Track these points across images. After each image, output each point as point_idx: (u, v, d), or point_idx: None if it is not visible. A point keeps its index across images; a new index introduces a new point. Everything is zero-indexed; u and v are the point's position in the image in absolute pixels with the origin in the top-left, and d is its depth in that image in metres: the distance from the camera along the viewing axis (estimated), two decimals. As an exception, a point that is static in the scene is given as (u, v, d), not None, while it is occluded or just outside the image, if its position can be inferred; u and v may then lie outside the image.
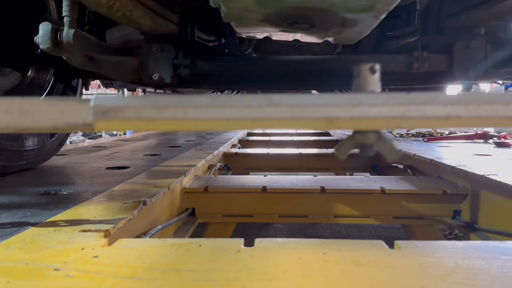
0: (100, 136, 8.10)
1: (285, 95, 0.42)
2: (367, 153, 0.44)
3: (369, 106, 0.41)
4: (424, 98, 0.41)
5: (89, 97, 0.46)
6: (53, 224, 0.96)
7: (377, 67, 0.43)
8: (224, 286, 0.62)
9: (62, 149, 2.19)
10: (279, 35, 1.29)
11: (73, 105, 0.44)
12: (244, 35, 1.34)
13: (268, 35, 1.31)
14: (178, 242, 0.84)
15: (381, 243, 0.83)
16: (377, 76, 0.43)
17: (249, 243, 0.83)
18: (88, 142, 3.49)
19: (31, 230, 0.91)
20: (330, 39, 1.30)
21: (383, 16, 0.99)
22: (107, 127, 0.43)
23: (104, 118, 0.43)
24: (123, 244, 0.82)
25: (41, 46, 1.18)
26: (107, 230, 0.90)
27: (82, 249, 0.79)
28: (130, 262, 0.73)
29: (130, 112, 0.42)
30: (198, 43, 1.63)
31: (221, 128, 0.43)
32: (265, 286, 0.63)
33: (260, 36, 1.33)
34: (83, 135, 8.19)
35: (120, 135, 8.74)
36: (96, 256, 0.75)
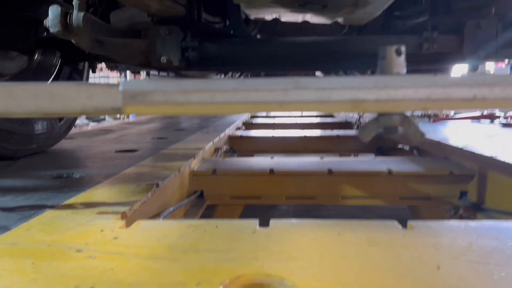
0: (104, 119, 8.10)
1: (311, 78, 0.42)
2: (391, 135, 0.45)
3: (395, 88, 0.41)
4: (450, 80, 0.41)
5: (114, 81, 0.46)
6: (70, 206, 0.98)
7: (403, 49, 0.44)
8: (244, 266, 0.64)
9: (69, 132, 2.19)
10: (288, 16, 1.28)
11: (102, 90, 0.44)
12: (253, 17, 1.34)
13: (277, 17, 1.30)
14: (195, 223, 0.85)
15: (394, 223, 0.84)
16: (402, 58, 0.43)
17: (263, 223, 0.84)
18: (91, 126, 3.51)
19: (49, 213, 0.92)
20: (340, 19, 1.29)
21: (395, -4, 0.99)
22: (136, 111, 0.44)
23: (133, 103, 0.43)
24: (141, 226, 0.84)
25: (51, 30, 1.18)
26: (123, 212, 0.92)
27: (102, 230, 0.81)
28: (150, 243, 0.74)
29: (158, 97, 0.43)
30: (206, 25, 1.62)
31: (248, 111, 0.43)
32: (284, 266, 0.64)
33: (269, 17, 1.32)
34: (86, 118, 8.19)
35: (123, 118, 8.75)
36: (116, 238, 0.77)
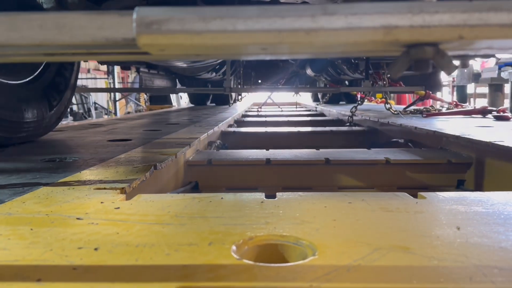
0: (91, 119, 7.99)
1: (341, 4, 0.40)
2: (423, 70, 0.42)
3: (430, 13, 0.39)
4: (487, 4, 0.39)
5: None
6: (66, 184, 0.94)
7: (436, -26, 0.41)
8: (256, 228, 0.61)
9: (56, 126, 2.14)
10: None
11: (114, 18, 0.41)
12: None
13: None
14: (199, 196, 0.82)
15: (405, 194, 0.82)
16: (435, -16, 0.41)
17: (270, 197, 0.82)
18: (78, 123, 3.44)
19: (44, 189, 0.88)
20: None
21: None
22: (151, 41, 0.41)
23: (148, 32, 0.40)
24: (143, 198, 0.80)
25: (44, 6, 1.14)
26: (122, 188, 0.88)
27: (102, 202, 0.77)
28: (154, 212, 0.71)
29: (175, 25, 0.40)
30: (202, 3, 1.59)
31: (273, 41, 0.41)
32: (298, 228, 0.61)
33: (268, -2, 1.30)
34: (73, 120, 8.08)
35: (113, 113, 8.65)
36: (118, 208, 0.73)
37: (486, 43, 0.42)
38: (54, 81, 1.85)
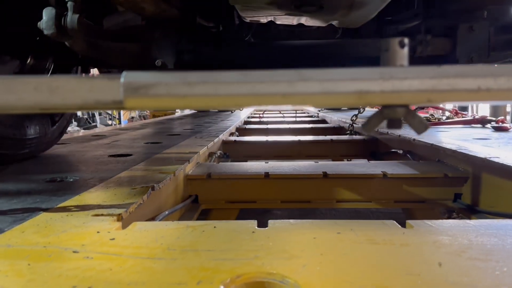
0: (95, 126, 8.05)
1: (316, 70, 0.42)
2: (395, 127, 0.45)
3: (400, 79, 0.41)
4: (454, 71, 0.41)
5: (118, 75, 0.46)
6: (65, 209, 0.96)
7: (406, 41, 0.43)
8: (244, 265, 0.63)
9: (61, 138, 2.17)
10: (283, 19, 1.29)
11: (103, 83, 0.44)
12: (248, 19, 1.34)
13: (273, 19, 1.31)
14: (192, 224, 0.84)
15: (393, 222, 0.84)
16: (406, 50, 0.43)
17: (261, 225, 0.84)
18: (82, 132, 3.48)
19: (43, 216, 0.91)
20: (334, 22, 1.29)
21: (391, -2, 0.99)
22: (137, 105, 0.43)
23: (135, 96, 0.43)
24: (138, 227, 0.83)
25: (45, 32, 1.17)
26: (119, 214, 0.90)
27: (98, 232, 0.79)
28: (147, 244, 0.73)
29: (161, 89, 0.42)
30: (201, 28, 1.62)
31: (252, 104, 0.43)
32: (285, 264, 0.63)
33: (264, 20, 1.32)
34: (78, 126, 8.14)
35: (115, 124, 8.71)
36: (113, 239, 0.76)
37: (455, 103, 0.44)
38: (56, 96, 1.88)
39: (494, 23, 1.47)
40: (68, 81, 0.44)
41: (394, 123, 0.45)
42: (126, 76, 0.43)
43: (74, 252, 0.69)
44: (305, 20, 1.30)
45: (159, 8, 1.35)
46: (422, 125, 0.44)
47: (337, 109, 6.51)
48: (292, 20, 1.31)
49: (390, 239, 0.74)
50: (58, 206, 0.99)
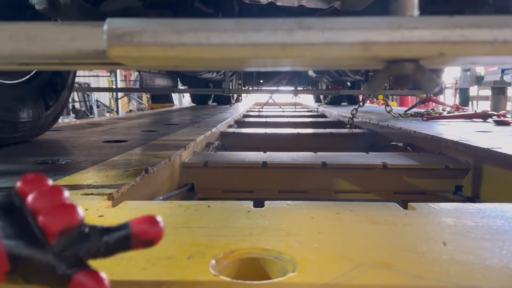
0: (93, 117, 8.00)
1: (318, 19, 0.39)
2: (403, 85, 0.41)
3: (409, 29, 0.37)
4: (468, 21, 0.37)
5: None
6: (54, 188, 0.93)
7: (417, -11, 0.40)
8: (239, 241, 0.60)
9: (55, 125, 2.14)
10: (284, 0, 1.25)
11: (85, 30, 0.40)
12: (248, 0, 1.30)
13: (273, 0, 1.27)
14: (186, 203, 0.81)
15: (395, 204, 0.81)
16: (416, -1, 0.40)
17: (258, 205, 0.80)
18: (78, 121, 3.43)
19: (31, 193, 0.87)
20: (337, 4, 1.26)
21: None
22: (122, 53, 0.40)
23: (119, 43, 0.39)
24: (129, 206, 0.79)
25: (36, 7, 1.13)
26: (110, 194, 0.87)
27: (86, 209, 0.76)
28: (137, 220, 0.69)
29: (148, 37, 0.39)
30: (199, 10, 1.58)
31: (248, 55, 0.39)
32: (281, 241, 0.60)
33: (264, 1, 1.28)
34: (75, 117, 8.09)
35: (115, 111, 8.68)
36: (102, 216, 0.72)
37: (468, 59, 0.40)
38: (51, 80, 1.84)
39: (500, 10, 1.44)
40: (47, 29, 0.40)
41: (402, 81, 0.41)
42: (110, 23, 0.40)
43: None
44: (306, 2, 1.26)
45: (156, -13, 1.31)
46: (433, 82, 0.40)
47: (337, 104, 6.47)
48: (293, 2, 1.27)
49: (392, 220, 0.70)
50: (47, 185, 0.96)
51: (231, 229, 0.66)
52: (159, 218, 0.36)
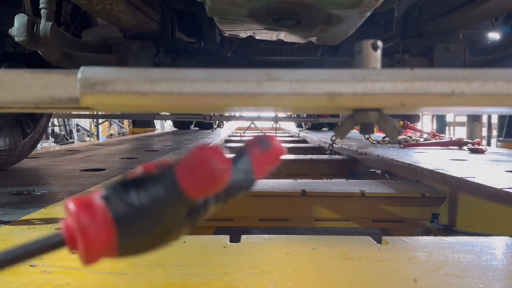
0: (73, 142, 7.90)
1: (285, 70, 0.40)
2: (368, 132, 0.43)
3: (372, 81, 0.39)
4: (428, 74, 0.40)
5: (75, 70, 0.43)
6: (27, 222, 0.91)
7: (380, 43, 0.42)
8: (212, 280, 0.60)
9: (34, 152, 2.10)
10: (262, 34, 1.28)
11: (58, 78, 0.41)
12: (227, 33, 1.33)
13: (252, 34, 1.30)
14: (161, 238, 0.80)
15: (369, 238, 0.82)
16: (379, 53, 0.42)
17: (234, 240, 0.80)
18: (59, 147, 3.39)
19: (3, 228, 0.86)
20: (313, 39, 1.29)
21: (368, 14, 1.00)
22: (95, 101, 0.40)
23: (92, 92, 0.40)
24: (103, 241, 0.78)
25: (16, 39, 1.13)
26: (85, 228, 0.85)
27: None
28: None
29: (120, 86, 0.40)
30: (179, 41, 1.60)
31: (218, 103, 0.41)
32: (256, 280, 0.60)
33: (243, 35, 1.31)
34: (55, 142, 7.97)
35: (91, 140, 8.57)
36: (75, 252, 0.71)
37: (428, 108, 0.42)
38: (29, 108, 1.83)
39: (469, 45, 1.50)
40: (21, 76, 0.41)
41: (367, 128, 0.43)
42: (84, 71, 0.40)
43: (31, 266, 0.65)
44: (284, 36, 1.30)
45: (137, 19, 1.33)
46: (395, 130, 0.42)
47: (318, 129, 6.55)
48: (271, 36, 1.30)
49: (365, 255, 0.71)
50: (20, 219, 0.94)
51: (205, 267, 0.65)
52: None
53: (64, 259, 0.68)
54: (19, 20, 1.13)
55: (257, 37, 1.35)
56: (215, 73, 0.40)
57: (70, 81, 0.41)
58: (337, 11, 0.96)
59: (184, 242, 0.78)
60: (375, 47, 0.42)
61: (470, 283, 0.59)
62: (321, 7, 0.92)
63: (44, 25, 1.14)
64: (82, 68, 0.40)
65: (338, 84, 0.40)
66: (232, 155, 0.39)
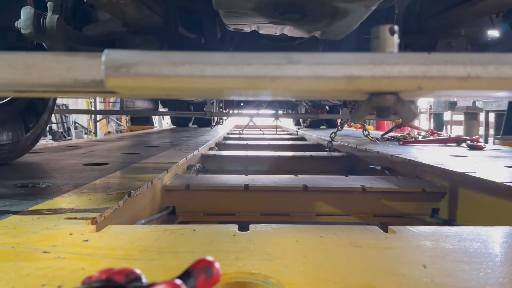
0: (70, 139, 7.88)
1: (305, 54, 0.41)
2: (384, 116, 0.44)
3: (390, 65, 0.40)
4: (445, 58, 0.41)
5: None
6: (36, 212, 0.92)
7: (396, 28, 0.43)
8: (225, 265, 0.61)
9: (34, 147, 2.11)
10: (267, 28, 1.29)
11: (83, 60, 0.42)
12: (231, 28, 1.33)
13: (256, 28, 1.31)
14: (171, 227, 0.81)
15: (375, 227, 0.83)
16: (396, 37, 0.43)
17: (243, 229, 0.81)
18: (56, 143, 3.39)
19: (12, 218, 0.86)
20: (317, 33, 1.30)
21: (374, 7, 1.01)
22: (119, 83, 0.41)
23: (116, 74, 0.41)
24: (113, 230, 0.79)
25: (22, 31, 1.14)
26: (93, 218, 0.87)
27: (70, 234, 0.75)
28: (123, 245, 0.70)
29: (144, 68, 0.40)
30: (182, 36, 1.61)
31: (239, 86, 0.42)
32: (268, 264, 0.61)
33: (247, 29, 1.32)
34: (52, 139, 7.96)
35: (93, 132, 8.55)
36: (87, 240, 0.72)
37: (444, 92, 0.43)
38: (32, 103, 1.83)
39: (471, 41, 1.51)
40: (46, 58, 0.42)
41: (383, 112, 0.44)
42: (108, 54, 0.41)
43: (44, 252, 0.66)
44: (288, 30, 1.31)
45: (142, 13, 1.34)
46: (412, 113, 0.43)
47: (316, 127, 6.57)
48: (276, 30, 1.31)
49: (373, 243, 0.72)
50: (29, 209, 0.95)
51: (217, 253, 0.66)
52: None
53: (76, 246, 0.69)
54: (26, 13, 1.13)
55: (261, 32, 1.35)
56: (236, 57, 0.41)
57: (94, 63, 0.42)
58: (342, 4, 0.97)
59: (194, 230, 0.79)
60: (392, 32, 0.43)
61: (478, 268, 0.60)
62: (327, 1, 0.93)
63: (51, 17, 1.15)
64: (106, 51, 0.41)
65: (357, 67, 0.41)
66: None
